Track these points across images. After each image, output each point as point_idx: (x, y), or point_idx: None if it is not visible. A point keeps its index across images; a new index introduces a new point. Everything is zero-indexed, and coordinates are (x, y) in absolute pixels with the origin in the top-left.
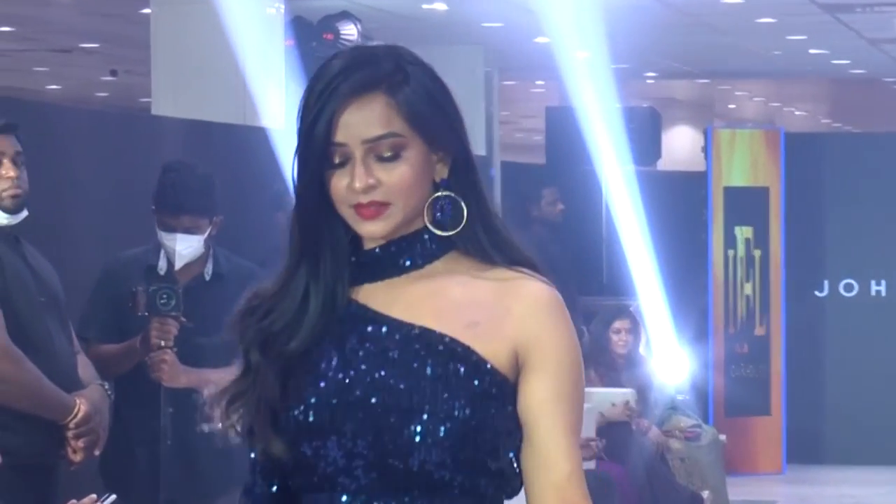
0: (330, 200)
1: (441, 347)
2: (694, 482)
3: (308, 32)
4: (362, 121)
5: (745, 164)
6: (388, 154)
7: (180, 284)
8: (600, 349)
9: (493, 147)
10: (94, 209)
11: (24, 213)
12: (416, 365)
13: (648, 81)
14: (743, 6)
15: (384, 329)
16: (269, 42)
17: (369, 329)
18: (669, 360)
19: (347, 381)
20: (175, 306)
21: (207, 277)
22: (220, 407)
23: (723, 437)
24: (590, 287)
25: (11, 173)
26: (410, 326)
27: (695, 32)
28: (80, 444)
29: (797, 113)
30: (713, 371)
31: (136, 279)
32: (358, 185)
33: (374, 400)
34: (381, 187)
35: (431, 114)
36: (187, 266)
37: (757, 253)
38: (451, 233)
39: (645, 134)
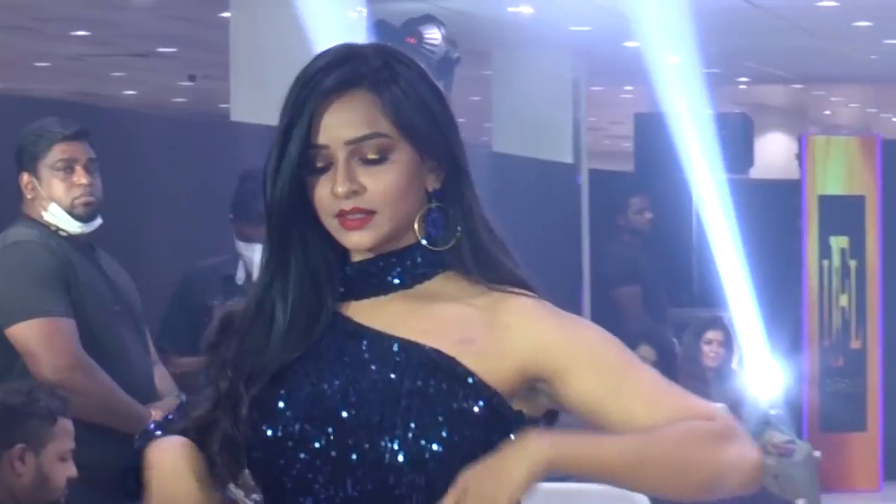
0: (307, 211)
1: (424, 360)
2: (788, 499)
3: (391, 36)
4: (345, 120)
5: (841, 171)
6: (374, 157)
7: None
8: (690, 360)
9: (581, 154)
10: (171, 217)
11: (98, 222)
12: (393, 377)
13: (741, 87)
14: (839, 9)
15: (364, 342)
16: None
17: (349, 342)
18: (762, 373)
19: (319, 395)
20: None
21: None
22: None
23: (817, 453)
24: (680, 298)
25: (84, 180)
26: (392, 338)
27: (789, 36)
28: None
29: (894, 119)
30: (807, 385)
31: (215, 290)
32: (340, 189)
33: (344, 414)
34: (365, 193)
35: (421, 116)
36: None
37: (853, 263)
38: (441, 248)
39: (737, 141)
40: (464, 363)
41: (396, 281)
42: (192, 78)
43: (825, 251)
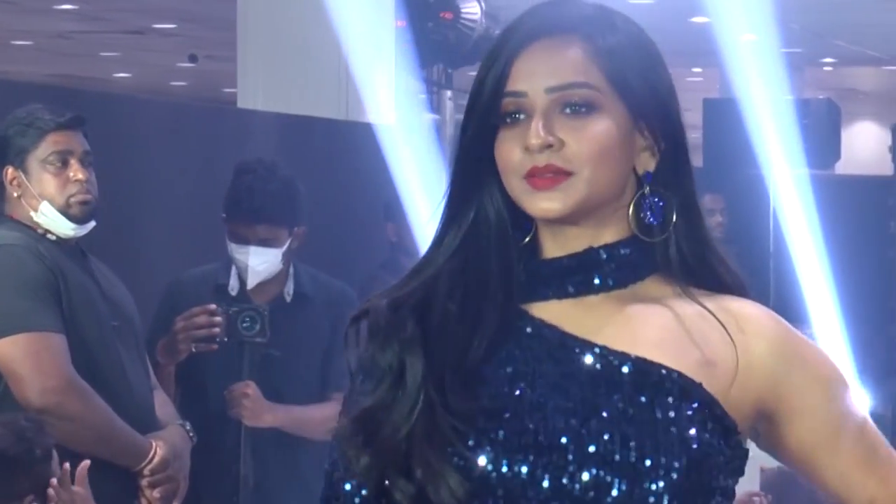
0: (492, 175)
1: (668, 385)
2: None
3: (423, 11)
4: (549, 66)
5: None
6: (578, 108)
7: (245, 305)
8: None
9: None
10: (169, 218)
11: (92, 224)
12: (633, 407)
13: (826, 69)
14: None
15: (588, 359)
16: (376, 23)
17: (570, 359)
18: None
19: (533, 426)
20: (260, 331)
21: (288, 299)
22: (350, 445)
23: None
24: None
25: (80, 175)
26: (624, 356)
27: (881, 10)
28: (156, 494)
29: None
30: None
31: (204, 303)
32: (534, 140)
33: (592, 449)
34: (563, 149)
35: (640, 79)
36: (263, 286)
37: None
38: (655, 239)
39: (821, 131)
40: (710, 391)
41: (610, 281)
42: (193, 58)
43: None
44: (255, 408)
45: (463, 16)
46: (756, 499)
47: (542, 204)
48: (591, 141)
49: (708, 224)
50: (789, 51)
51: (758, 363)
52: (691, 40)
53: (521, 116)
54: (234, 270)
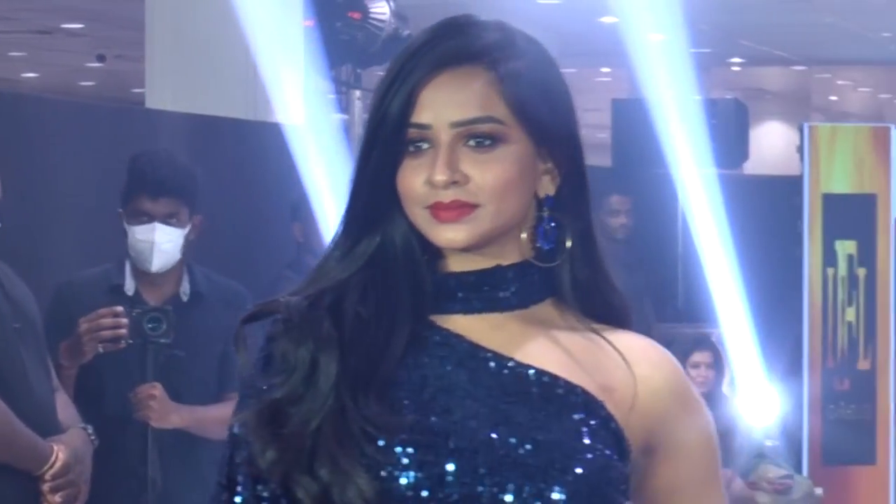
0: (391, 199)
1: (573, 398)
2: None
3: (331, 11)
4: (454, 99)
5: (848, 166)
6: (483, 143)
7: (150, 306)
8: None
9: None
10: (76, 219)
11: None
12: (542, 415)
13: (734, 69)
14: None
15: (498, 369)
16: (284, 22)
17: (480, 368)
18: (756, 398)
19: (444, 431)
20: (165, 332)
21: (185, 298)
22: (256, 437)
23: (819, 489)
24: (663, 312)
25: None
26: (532, 368)
27: (789, 11)
28: (58, 498)
29: None
30: (808, 412)
31: (99, 306)
32: (439, 177)
33: (481, 461)
34: (468, 184)
35: (544, 105)
36: (158, 286)
37: (861, 272)
38: (548, 265)
39: (729, 131)
40: (611, 412)
41: (514, 301)
42: (101, 58)
43: (830, 258)
44: (162, 409)
45: (371, 16)
46: None
47: (446, 234)
48: (497, 175)
49: (603, 248)
50: (697, 51)
51: (654, 395)
52: (599, 40)
53: (425, 146)
54: (128, 270)
